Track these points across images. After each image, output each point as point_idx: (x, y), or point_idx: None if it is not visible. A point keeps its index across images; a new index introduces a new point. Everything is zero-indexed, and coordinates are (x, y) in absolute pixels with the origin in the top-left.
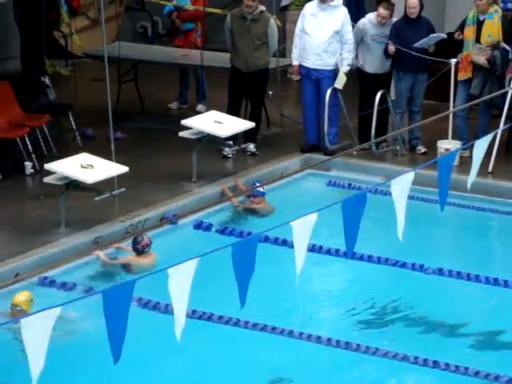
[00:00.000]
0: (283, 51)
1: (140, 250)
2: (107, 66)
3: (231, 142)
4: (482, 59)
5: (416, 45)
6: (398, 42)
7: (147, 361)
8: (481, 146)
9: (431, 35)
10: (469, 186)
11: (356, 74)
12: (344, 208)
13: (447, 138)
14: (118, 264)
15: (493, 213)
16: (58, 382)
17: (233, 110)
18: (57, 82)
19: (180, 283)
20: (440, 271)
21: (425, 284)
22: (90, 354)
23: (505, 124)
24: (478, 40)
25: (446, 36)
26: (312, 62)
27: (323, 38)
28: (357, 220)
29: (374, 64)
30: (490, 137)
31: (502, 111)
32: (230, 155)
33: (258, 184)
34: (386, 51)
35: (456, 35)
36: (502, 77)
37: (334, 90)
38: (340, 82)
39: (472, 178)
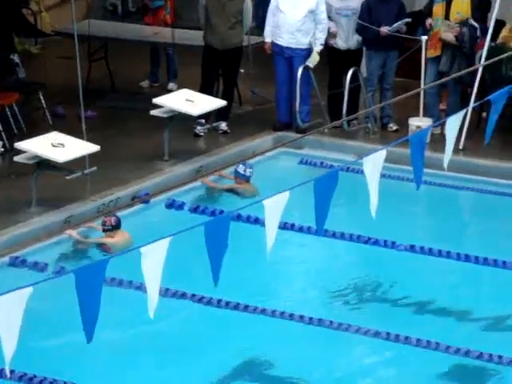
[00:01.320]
0: None
1: (106, 228)
2: (77, 44)
3: (203, 121)
4: (450, 36)
5: (390, 30)
6: (369, 20)
7: (119, 340)
8: (453, 124)
9: (402, 20)
10: (445, 164)
11: (326, 52)
12: (316, 186)
13: (418, 116)
14: (93, 243)
15: (464, 190)
16: (31, 362)
17: (206, 89)
18: (26, 60)
19: (153, 262)
20: (412, 248)
21: (397, 261)
22: (62, 333)
23: (475, 101)
24: (447, 17)
25: (410, 19)
26: (285, 41)
27: (297, 17)
28: (328, 198)
29: (345, 39)
30: (461, 114)
31: (473, 88)
32: (202, 133)
33: (242, 166)
34: (362, 32)
35: (427, 25)
36: (470, 54)
37: (306, 68)
38: (313, 60)
39: (448, 156)
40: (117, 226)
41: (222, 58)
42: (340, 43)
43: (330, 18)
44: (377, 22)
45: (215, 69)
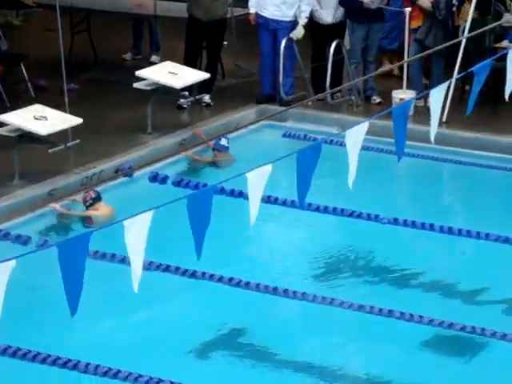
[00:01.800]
0: None
1: (88, 203)
2: (59, 16)
3: (186, 93)
4: (426, 2)
5: (373, 1)
6: None
7: (103, 313)
8: (436, 96)
9: None
10: (432, 138)
11: (309, 24)
12: (298, 158)
13: (402, 88)
14: (76, 216)
15: (447, 162)
16: (15, 335)
17: (190, 61)
18: (8, 32)
19: (136, 235)
20: (395, 221)
21: (380, 234)
22: (46, 306)
23: (458, 73)
24: None
25: None
26: (270, 13)
27: None
28: (310, 170)
29: (331, 13)
30: (444, 86)
31: (452, 60)
32: (185, 106)
33: (223, 139)
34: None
35: None
36: (446, 22)
37: (290, 40)
38: (297, 33)
39: (434, 130)
40: (97, 198)
41: (206, 30)
42: (325, 18)
43: None
44: None
45: (199, 41)
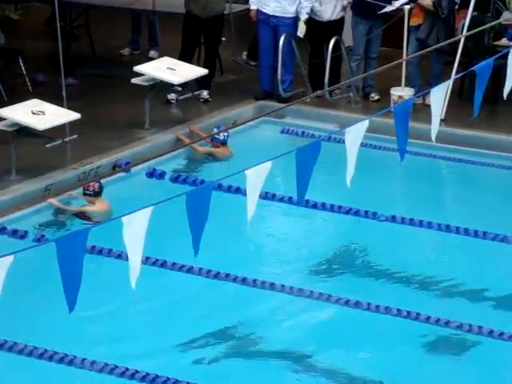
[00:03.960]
0: None
1: (88, 192)
2: (57, 10)
3: (179, 88)
4: (427, 1)
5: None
6: None
7: (99, 309)
8: (437, 95)
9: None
10: (433, 137)
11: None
12: (298, 156)
13: (400, 85)
14: (73, 211)
15: (446, 160)
16: (14, 329)
17: (186, 57)
18: (6, 26)
19: (135, 232)
20: (393, 218)
21: (378, 232)
22: (43, 301)
23: (457, 70)
24: None
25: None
26: (271, 9)
27: None
28: (309, 168)
29: (330, 11)
30: (445, 84)
31: (454, 58)
32: (174, 101)
33: (216, 130)
34: None
35: None
36: (448, 21)
37: (289, 37)
38: (301, 30)
39: (435, 129)
40: (99, 193)
41: (203, 26)
42: (324, 14)
43: None
44: None
45: (196, 37)
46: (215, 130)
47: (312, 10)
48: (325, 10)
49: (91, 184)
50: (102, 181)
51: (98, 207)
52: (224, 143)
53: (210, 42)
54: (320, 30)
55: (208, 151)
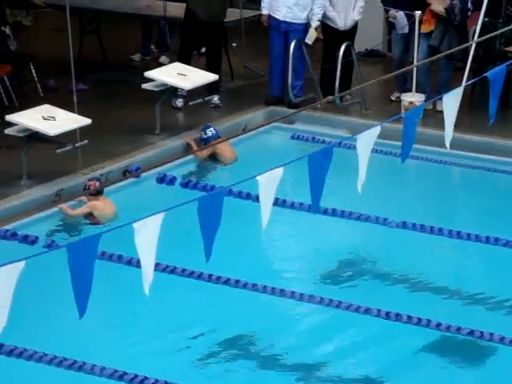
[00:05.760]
0: None
1: (91, 192)
2: (69, 16)
3: (184, 93)
4: (440, 8)
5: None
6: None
7: (109, 315)
8: (450, 102)
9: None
10: (447, 144)
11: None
12: (310, 162)
13: (411, 91)
14: (81, 216)
15: (456, 166)
16: (25, 335)
17: (184, 58)
18: (18, 32)
19: (147, 237)
20: (404, 225)
21: (389, 238)
22: (56, 307)
23: (468, 76)
24: None
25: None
26: (282, 15)
27: None
28: (323, 174)
29: (343, 19)
30: (459, 91)
31: (465, 63)
32: (179, 107)
33: (208, 131)
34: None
35: None
36: (460, 27)
37: (299, 42)
38: (310, 37)
39: (449, 135)
40: (100, 192)
41: (204, 30)
42: (338, 21)
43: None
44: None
45: (196, 39)
46: (202, 132)
47: (326, 16)
48: (339, 18)
49: (92, 183)
50: (113, 186)
51: (102, 207)
52: (216, 138)
53: (212, 46)
54: (334, 36)
55: (208, 152)
